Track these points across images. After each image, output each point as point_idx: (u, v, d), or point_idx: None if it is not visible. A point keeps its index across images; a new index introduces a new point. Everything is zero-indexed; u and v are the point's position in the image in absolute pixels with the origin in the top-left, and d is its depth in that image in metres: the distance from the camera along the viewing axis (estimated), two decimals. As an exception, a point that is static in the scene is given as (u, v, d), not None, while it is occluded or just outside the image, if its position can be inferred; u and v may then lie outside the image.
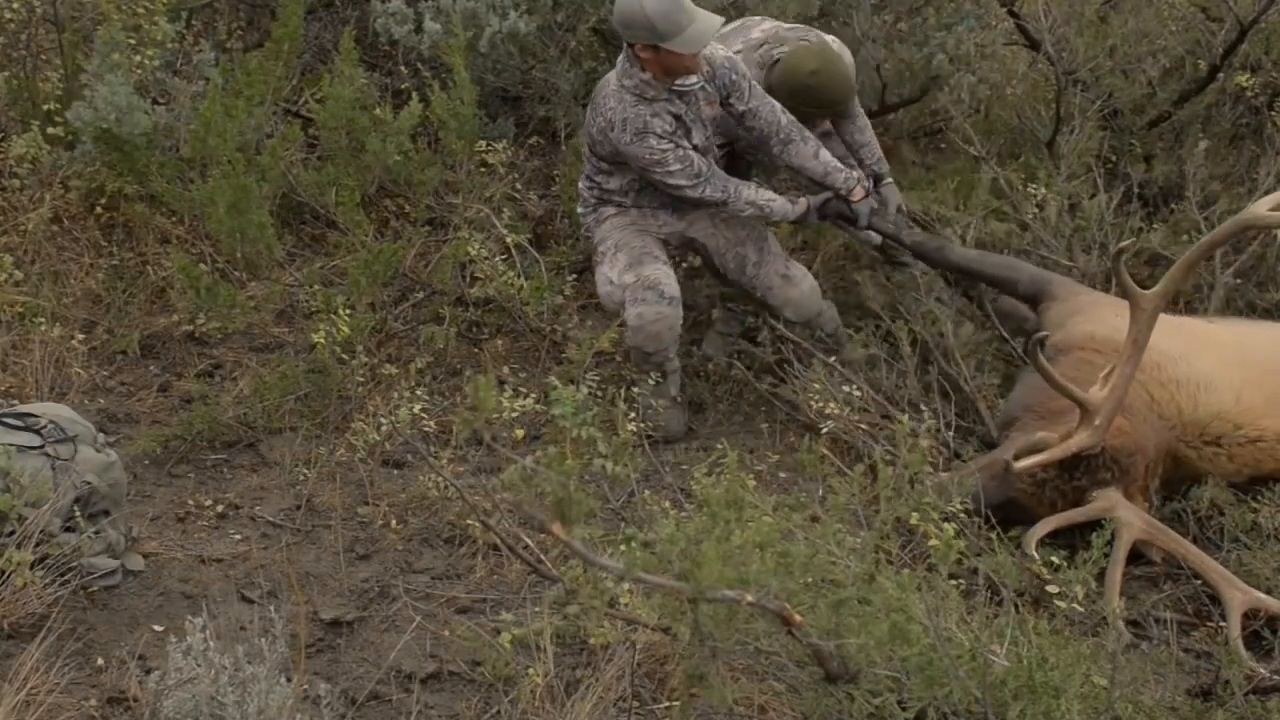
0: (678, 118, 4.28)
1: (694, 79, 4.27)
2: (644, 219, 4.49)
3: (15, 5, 5.04)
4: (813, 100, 4.49)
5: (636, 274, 4.36)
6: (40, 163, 4.85)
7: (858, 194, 4.50)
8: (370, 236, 4.87)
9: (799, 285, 4.56)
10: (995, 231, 4.99)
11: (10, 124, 5.06)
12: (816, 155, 4.44)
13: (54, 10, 5.07)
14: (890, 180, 4.73)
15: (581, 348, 4.47)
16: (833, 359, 4.48)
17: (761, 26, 4.68)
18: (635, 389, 4.41)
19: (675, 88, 4.26)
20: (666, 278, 4.37)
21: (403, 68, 5.55)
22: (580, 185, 4.56)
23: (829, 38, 4.65)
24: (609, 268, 4.43)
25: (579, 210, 4.61)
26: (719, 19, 4.20)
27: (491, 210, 5.08)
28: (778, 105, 4.40)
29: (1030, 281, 4.52)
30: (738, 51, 4.54)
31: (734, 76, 4.32)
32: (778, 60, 4.53)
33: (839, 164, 4.49)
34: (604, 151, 4.36)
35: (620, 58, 4.27)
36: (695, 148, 4.32)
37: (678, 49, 4.11)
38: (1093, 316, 4.21)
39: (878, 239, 4.71)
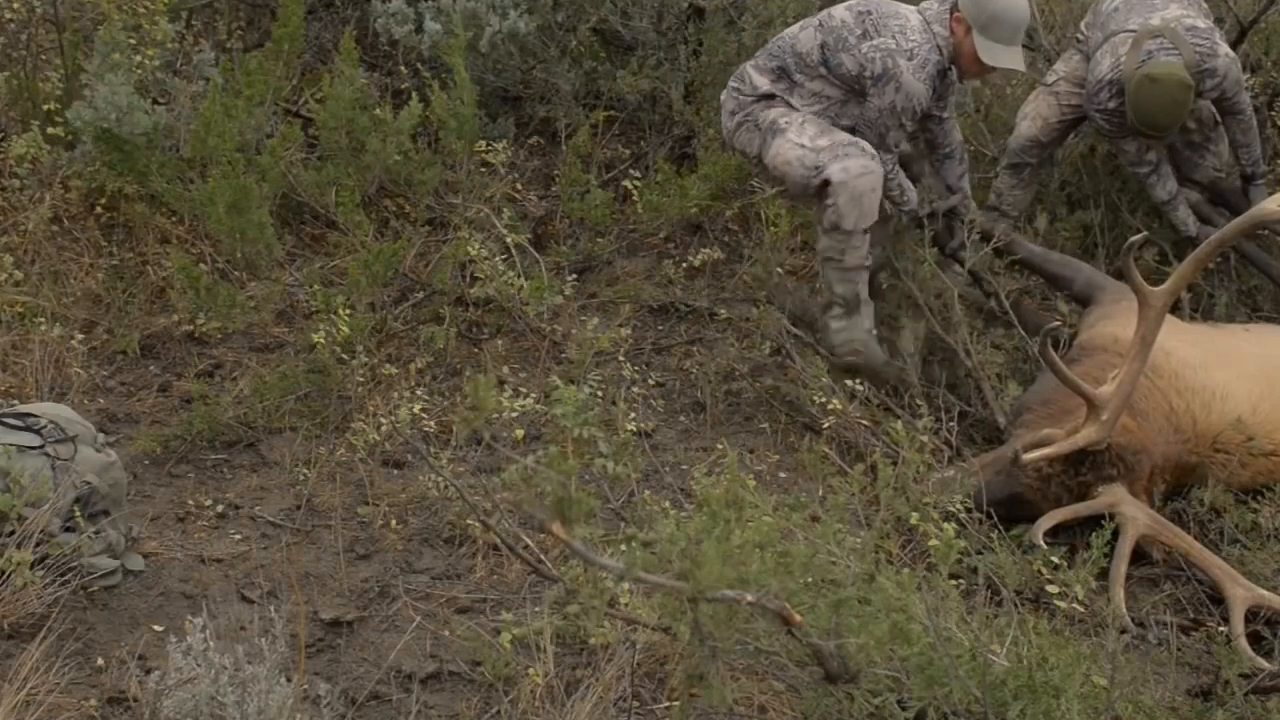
0: (935, 92, 4.37)
1: (955, 77, 4.47)
2: None
3: (15, 5, 5.04)
4: (1136, 112, 4.58)
5: (831, 139, 4.35)
6: (40, 163, 4.84)
7: (966, 219, 4.64)
8: (370, 236, 4.87)
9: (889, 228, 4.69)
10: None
11: (10, 124, 5.06)
12: (961, 178, 4.63)
13: (54, 10, 5.07)
14: (1262, 182, 4.84)
15: (582, 348, 4.47)
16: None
17: (1164, 14, 4.69)
18: (827, 327, 4.45)
19: (948, 73, 4.39)
20: (862, 140, 4.37)
21: (403, 68, 5.55)
22: (754, 74, 4.45)
23: (1194, 53, 4.61)
24: (796, 134, 4.37)
25: (737, 100, 4.49)
26: (1023, 68, 4.40)
27: (491, 210, 5.08)
28: (958, 128, 4.64)
29: (1085, 283, 4.58)
30: (1131, 31, 4.63)
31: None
32: (1145, 60, 4.59)
33: (969, 192, 4.66)
34: (863, 68, 4.28)
35: (928, 7, 4.32)
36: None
37: (980, 47, 4.26)
38: (1121, 320, 4.22)
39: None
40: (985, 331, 4.63)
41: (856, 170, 4.30)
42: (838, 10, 4.39)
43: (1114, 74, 4.67)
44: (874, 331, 4.48)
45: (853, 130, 4.43)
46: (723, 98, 4.61)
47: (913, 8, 4.35)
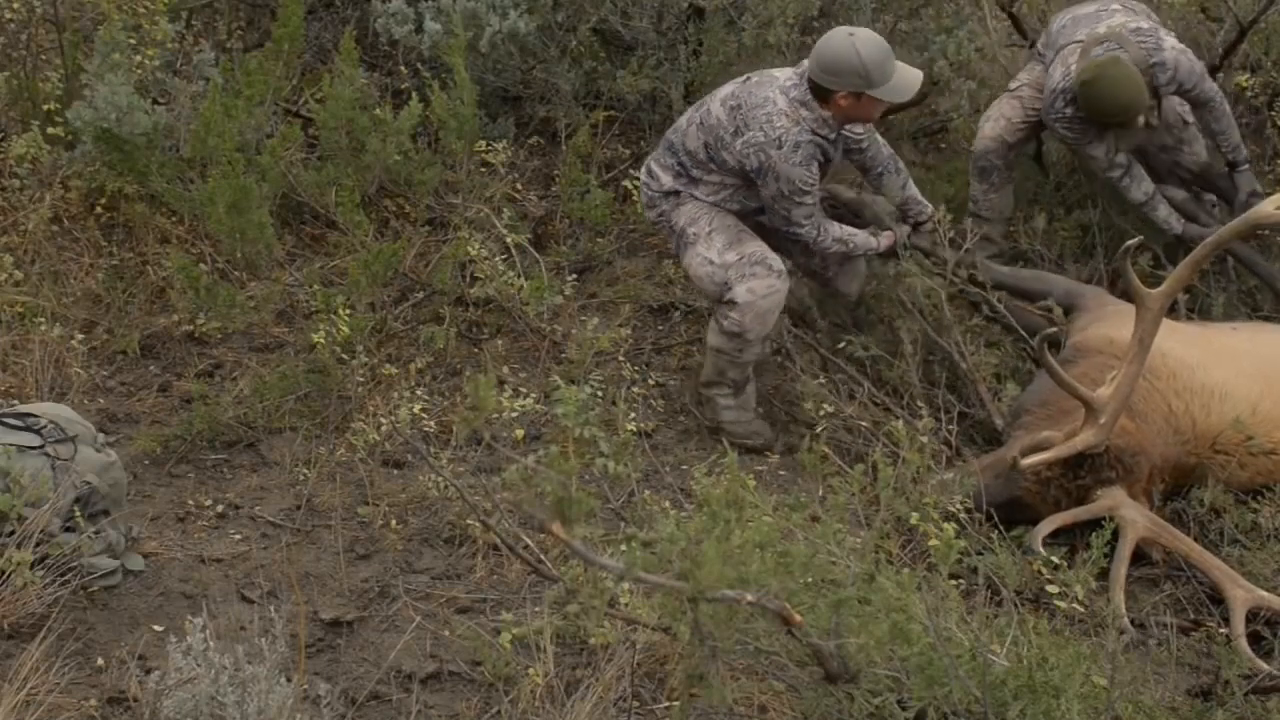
0: (827, 159, 4.31)
1: (861, 129, 4.38)
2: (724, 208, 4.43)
3: (15, 5, 5.04)
4: (1087, 106, 4.65)
5: (739, 251, 4.30)
6: (40, 163, 4.85)
7: (928, 225, 4.57)
8: (370, 236, 4.87)
9: (859, 262, 4.65)
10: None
11: (10, 124, 5.06)
12: (904, 187, 4.55)
13: (54, 10, 5.07)
14: (1246, 168, 4.83)
15: (582, 348, 4.48)
16: (842, 344, 4.49)
17: (1110, 22, 4.75)
18: (716, 402, 4.38)
19: (844, 131, 4.31)
20: (770, 252, 4.33)
21: (403, 68, 5.55)
22: (657, 170, 4.42)
23: (1140, 49, 4.66)
24: (705, 248, 4.33)
25: (647, 194, 4.47)
26: (920, 72, 4.28)
27: (491, 210, 5.08)
28: (881, 140, 4.52)
29: (1064, 294, 4.56)
30: (1079, 42, 4.70)
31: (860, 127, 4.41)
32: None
33: (919, 196, 4.58)
34: (742, 163, 4.24)
35: (793, 84, 4.20)
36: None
37: (885, 97, 4.18)
38: (1114, 322, 4.22)
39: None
40: (982, 330, 4.61)
41: (762, 290, 4.26)
42: (715, 106, 4.30)
43: (1065, 82, 4.72)
44: (758, 409, 4.48)
45: (764, 209, 4.38)
46: (640, 185, 4.58)
47: (780, 83, 4.22)
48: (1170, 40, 4.75)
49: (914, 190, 4.58)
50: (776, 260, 4.32)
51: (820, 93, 4.17)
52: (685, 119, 4.43)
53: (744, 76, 4.38)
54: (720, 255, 4.31)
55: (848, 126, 4.31)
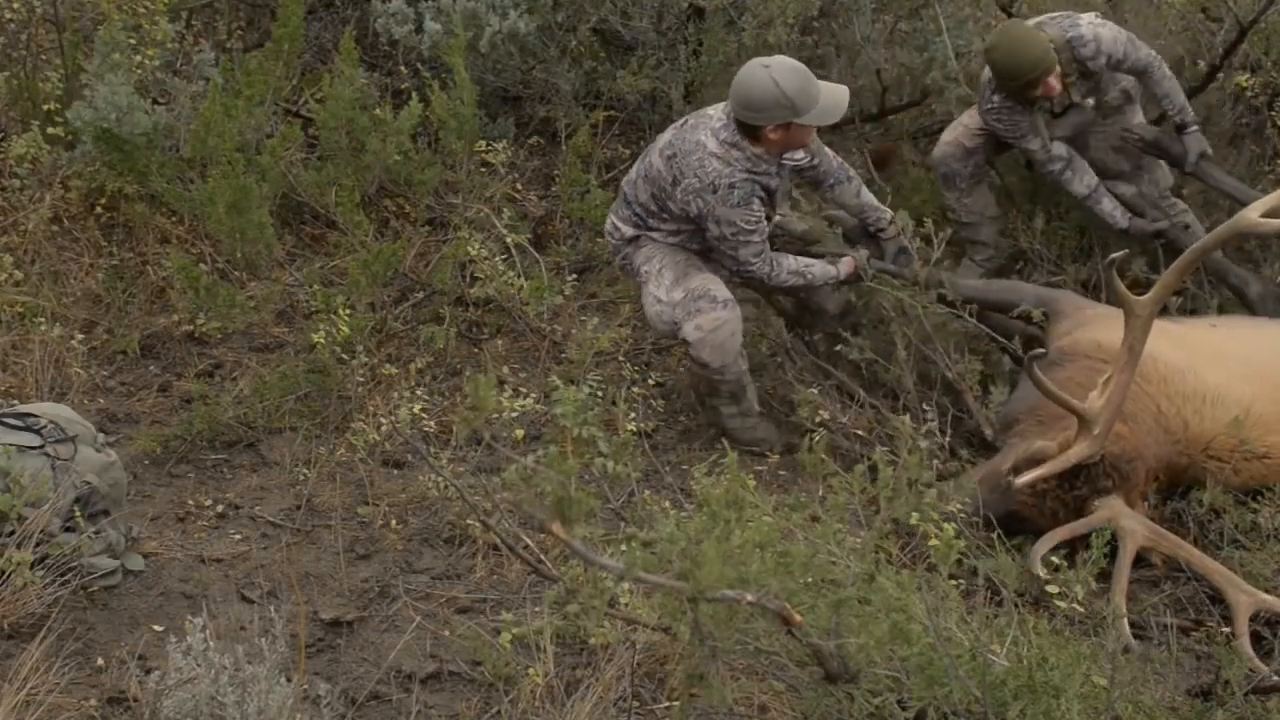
0: (770, 192, 4.27)
1: (802, 153, 4.36)
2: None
3: (15, 5, 5.04)
4: (995, 73, 4.72)
5: (685, 288, 4.29)
6: (40, 163, 4.85)
7: (890, 231, 4.54)
8: (370, 236, 4.88)
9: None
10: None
11: (10, 124, 5.07)
12: (858, 194, 4.53)
13: (54, 10, 5.08)
14: (1195, 128, 4.81)
15: (582, 348, 4.48)
16: (839, 347, 4.49)
17: (1037, 20, 4.82)
18: (718, 410, 4.37)
19: (784, 160, 4.30)
20: (715, 284, 4.31)
21: (403, 68, 5.56)
22: (617, 222, 4.45)
23: (1058, 28, 4.73)
24: (655, 287, 4.34)
25: (612, 244, 4.52)
26: (845, 88, 4.26)
27: (491, 210, 5.09)
28: (829, 151, 4.51)
29: (1035, 302, 4.53)
30: None
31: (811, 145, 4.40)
32: None
33: (875, 203, 4.57)
34: (686, 210, 4.24)
35: (722, 125, 4.17)
36: (767, 217, 4.31)
37: (813, 122, 4.16)
38: (1100, 325, 4.20)
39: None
40: (963, 332, 4.58)
41: (709, 325, 4.25)
42: (654, 157, 4.30)
43: (990, 74, 4.79)
44: (759, 409, 4.46)
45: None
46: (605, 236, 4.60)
47: (711, 124, 4.19)
48: (1088, 16, 4.79)
49: (869, 196, 4.56)
50: (722, 290, 4.30)
51: (748, 130, 4.15)
52: (635, 171, 4.43)
53: (682, 121, 4.37)
54: (668, 294, 4.31)
55: (786, 155, 4.29)
